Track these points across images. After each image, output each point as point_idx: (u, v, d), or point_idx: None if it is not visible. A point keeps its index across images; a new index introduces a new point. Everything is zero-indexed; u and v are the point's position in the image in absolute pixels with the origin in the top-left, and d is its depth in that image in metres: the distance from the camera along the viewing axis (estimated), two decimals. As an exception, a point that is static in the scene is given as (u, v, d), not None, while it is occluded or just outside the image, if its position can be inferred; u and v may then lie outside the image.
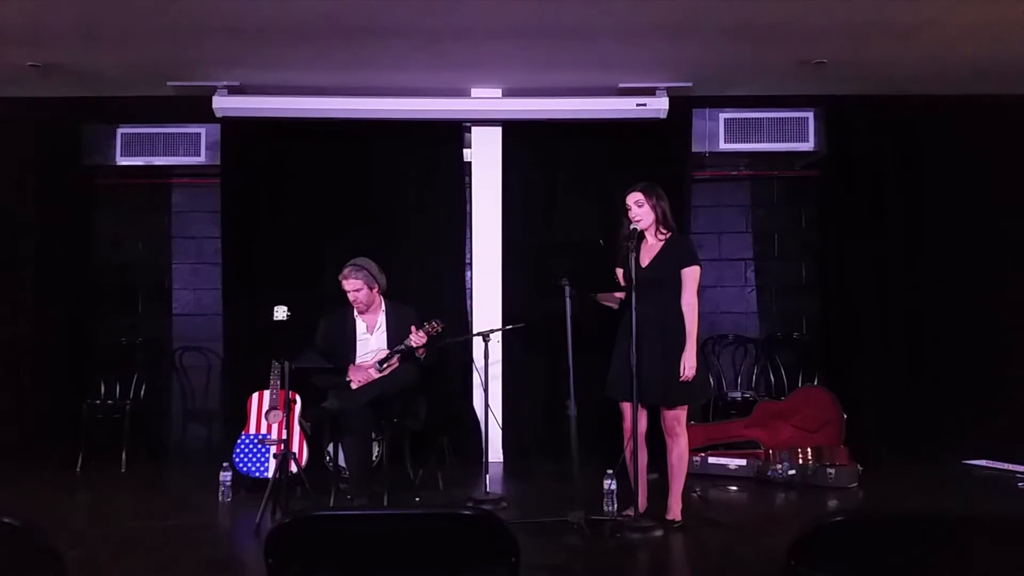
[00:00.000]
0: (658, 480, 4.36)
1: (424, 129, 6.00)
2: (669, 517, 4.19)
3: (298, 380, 4.76)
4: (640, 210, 4.20)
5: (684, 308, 4.15)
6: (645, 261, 4.18)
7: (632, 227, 4.16)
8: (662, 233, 4.25)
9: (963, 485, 5.23)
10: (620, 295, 4.27)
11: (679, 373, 4.07)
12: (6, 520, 1.55)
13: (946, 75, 5.64)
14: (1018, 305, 6.01)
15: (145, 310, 6.45)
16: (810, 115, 5.97)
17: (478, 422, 5.83)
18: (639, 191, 4.23)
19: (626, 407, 4.17)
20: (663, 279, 4.14)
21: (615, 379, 4.22)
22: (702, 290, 6.40)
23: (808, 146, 5.98)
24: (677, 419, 4.16)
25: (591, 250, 4.19)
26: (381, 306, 4.94)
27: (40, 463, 5.69)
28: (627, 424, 4.18)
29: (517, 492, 5.12)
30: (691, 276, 4.17)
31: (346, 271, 4.81)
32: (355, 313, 4.91)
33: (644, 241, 4.21)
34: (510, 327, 5.34)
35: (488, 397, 5.03)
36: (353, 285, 4.79)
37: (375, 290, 4.86)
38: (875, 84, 5.89)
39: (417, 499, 4.80)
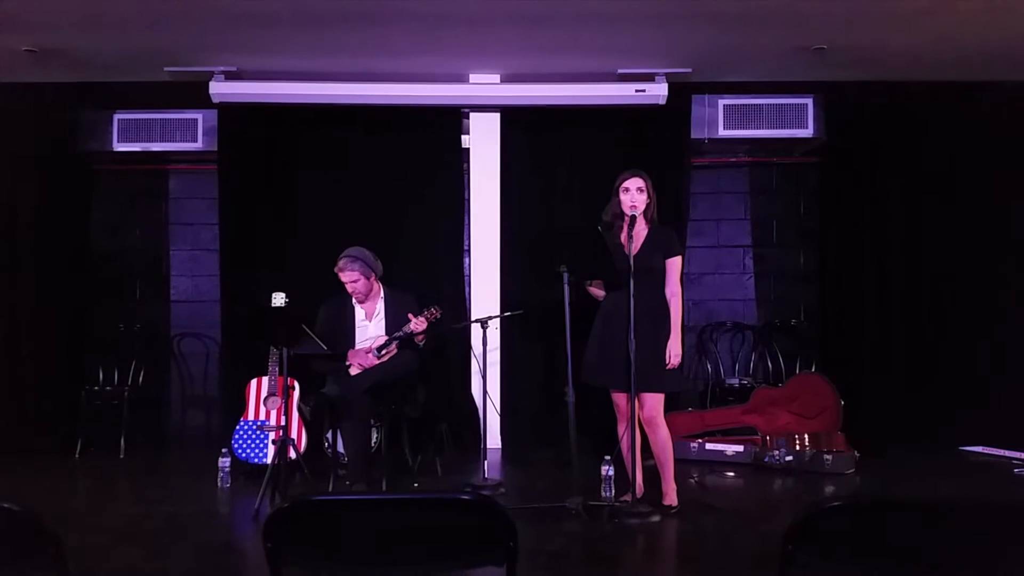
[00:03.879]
0: (654, 467, 4.37)
1: (422, 115, 5.98)
2: (666, 503, 4.21)
3: (297, 366, 4.76)
4: (641, 196, 4.19)
5: (669, 297, 4.18)
6: (633, 248, 4.18)
7: (631, 214, 4.15)
8: (646, 222, 4.24)
9: (960, 471, 5.25)
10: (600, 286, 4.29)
11: (663, 360, 4.09)
12: (5, 506, 1.55)
13: (946, 61, 5.61)
14: (1018, 292, 6.01)
15: (143, 296, 6.44)
16: (809, 101, 5.95)
17: (476, 409, 5.84)
18: (642, 177, 4.22)
19: (616, 395, 4.20)
20: (650, 267, 4.14)
21: (598, 366, 4.22)
22: (699, 277, 6.38)
23: (807, 132, 5.96)
24: (656, 409, 4.17)
25: (590, 238, 4.17)
26: (380, 293, 4.93)
27: (39, 449, 5.70)
28: (619, 411, 4.24)
29: (515, 478, 5.13)
30: (676, 265, 4.21)
31: (341, 263, 4.78)
32: (354, 300, 4.90)
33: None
34: (508, 314, 5.35)
35: (486, 384, 5.03)
36: (350, 276, 4.78)
37: (372, 278, 4.85)
38: (875, 70, 5.87)
39: (415, 485, 4.82)
